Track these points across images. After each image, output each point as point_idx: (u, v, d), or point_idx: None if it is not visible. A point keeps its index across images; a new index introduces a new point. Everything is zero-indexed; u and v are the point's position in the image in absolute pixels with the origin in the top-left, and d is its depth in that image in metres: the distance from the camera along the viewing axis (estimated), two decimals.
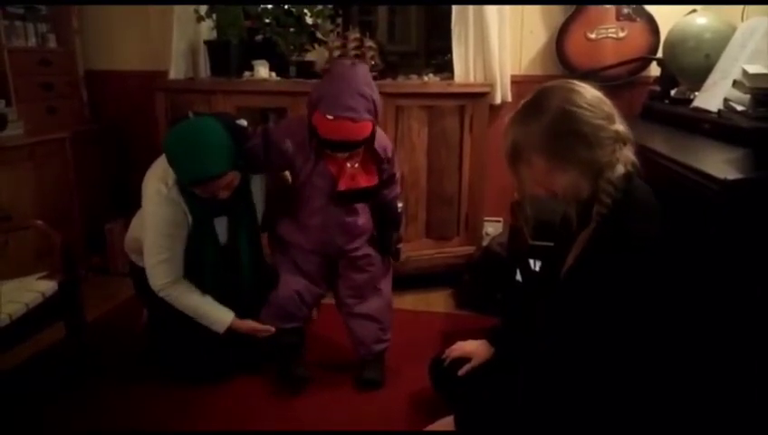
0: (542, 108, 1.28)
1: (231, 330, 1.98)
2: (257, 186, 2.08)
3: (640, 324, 1.27)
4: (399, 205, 2.13)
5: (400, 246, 2.18)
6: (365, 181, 1.94)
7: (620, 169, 1.26)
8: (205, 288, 1.99)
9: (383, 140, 2.00)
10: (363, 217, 2.04)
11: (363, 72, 1.88)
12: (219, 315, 1.98)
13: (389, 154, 2.01)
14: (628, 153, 1.29)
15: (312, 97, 1.84)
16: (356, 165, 1.91)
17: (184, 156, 1.79)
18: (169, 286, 1.94)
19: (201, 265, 1.98)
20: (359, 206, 2.01)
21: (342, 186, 1.91)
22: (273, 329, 2.01)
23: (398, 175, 2.11)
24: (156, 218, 1.90)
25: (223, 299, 2.01)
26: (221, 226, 2.01)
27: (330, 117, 1.76)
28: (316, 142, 1.86)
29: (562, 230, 1.45)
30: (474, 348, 1.71)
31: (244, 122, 2.04)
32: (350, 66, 1.88)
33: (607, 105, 1.30)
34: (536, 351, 1.40)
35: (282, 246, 2.09)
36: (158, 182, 1.89)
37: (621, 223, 1.25)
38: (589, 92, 1.29)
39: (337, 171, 1.91)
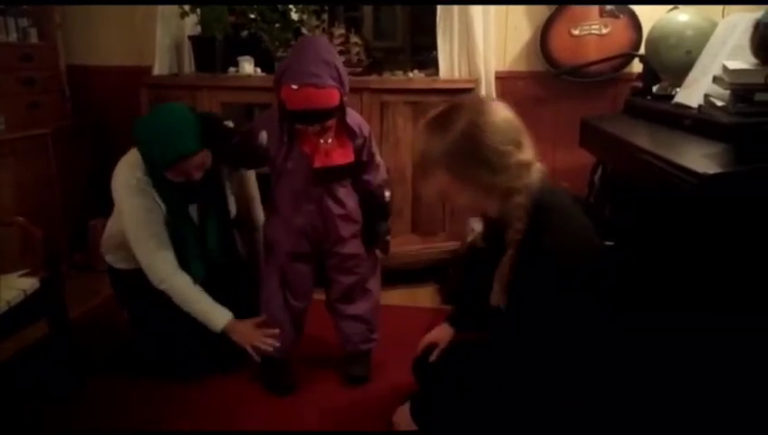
0: (449, 125, 1.25)
1: (226, 334, 1.89)
2: (235, 181, 2.10)
3: (586, 326, 1.25)
4: (387, 193, 2.09)
5: (389, 238, 2.15)
6: (340, 158, 1.90)
7: (529, 192, 1.24)
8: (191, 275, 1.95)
9: (357, 118, 1.98)
10: (350, 205, 2.01)
11: (324, 42, 1.90)
12: (217, 314, 1.89)
13: (365, 133, 1.98)
14: (536, 173, 1.27)
15: (278, 73, 1.84)
16: (329, 141, 1.88)
17: (156, 138, 1.80)
18: (172, 277, 1.89)
19: (182, 252, 1.95)
20: (343, 193, 1.97)
21: (317, 163, 1.87)
22: (270, 349, 1.89)
23: (378, 159, 2.06)
24: (131, 210, 1.89)
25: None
26: (192, 212, 2.00)
27: (294, 86, 1.75)
28: (288, 123, 1.85)
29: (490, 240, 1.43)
30: (436, 334, 1.74)
31: (230, 124, 2.04)
32: (311, 38, 1.88)
33: (515, 130, 1.26)
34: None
35: (269, 251, 2.04)
36: (124, 176, 1.89)
37: (539, 244, 1.22)
38: (499, 115, 1.25)
39: (311, 150, 1.88)
